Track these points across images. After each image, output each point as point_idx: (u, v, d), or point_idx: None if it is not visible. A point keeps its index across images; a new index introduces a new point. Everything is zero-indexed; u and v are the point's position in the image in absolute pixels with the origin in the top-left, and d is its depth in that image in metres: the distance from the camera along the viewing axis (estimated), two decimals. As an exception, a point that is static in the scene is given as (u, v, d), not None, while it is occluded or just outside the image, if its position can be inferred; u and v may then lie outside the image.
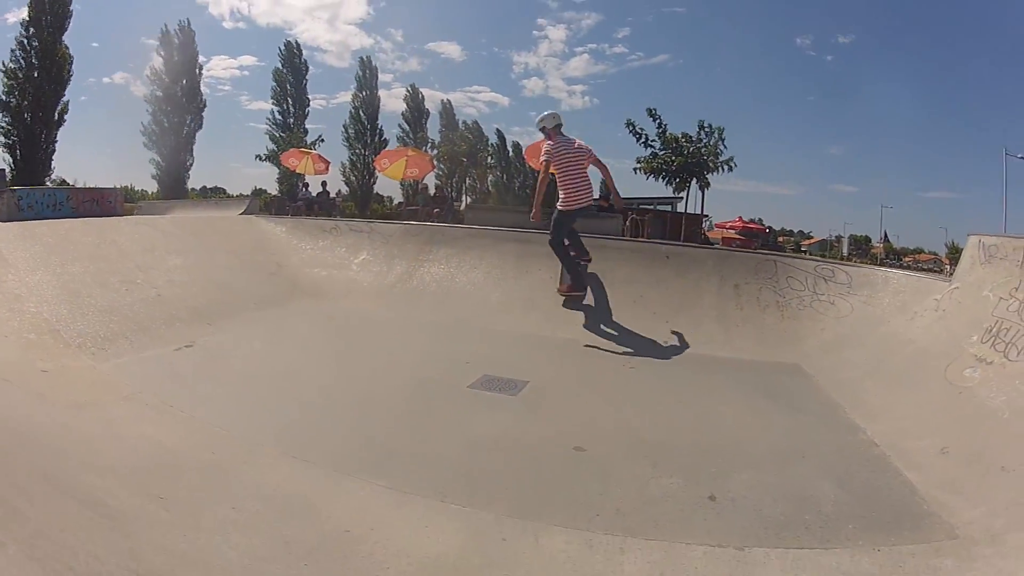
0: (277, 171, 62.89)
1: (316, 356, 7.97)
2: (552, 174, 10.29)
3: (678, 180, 36.77)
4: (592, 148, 10.45)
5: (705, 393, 7.08)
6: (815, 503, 4.26)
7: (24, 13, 56.81)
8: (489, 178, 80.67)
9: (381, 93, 74.99)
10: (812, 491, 4.46)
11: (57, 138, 56.52)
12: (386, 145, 70.33)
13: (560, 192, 10.24)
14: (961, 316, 7.23)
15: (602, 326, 9.89)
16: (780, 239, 76.19)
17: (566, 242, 10.48)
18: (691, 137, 36.36)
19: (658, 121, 37.24)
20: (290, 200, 31.30)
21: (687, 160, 35.76)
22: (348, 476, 4.37)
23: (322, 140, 60.91)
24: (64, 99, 56.77)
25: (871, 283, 9.65)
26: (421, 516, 3.83)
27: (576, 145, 10.28)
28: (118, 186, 34.55)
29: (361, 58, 79.54)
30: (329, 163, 32.39)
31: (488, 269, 11.86)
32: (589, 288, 10.87)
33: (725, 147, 35.82)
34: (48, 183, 52.97)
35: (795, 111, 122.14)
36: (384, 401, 6.18)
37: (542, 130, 10.59)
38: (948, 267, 51.16)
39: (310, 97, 72.11)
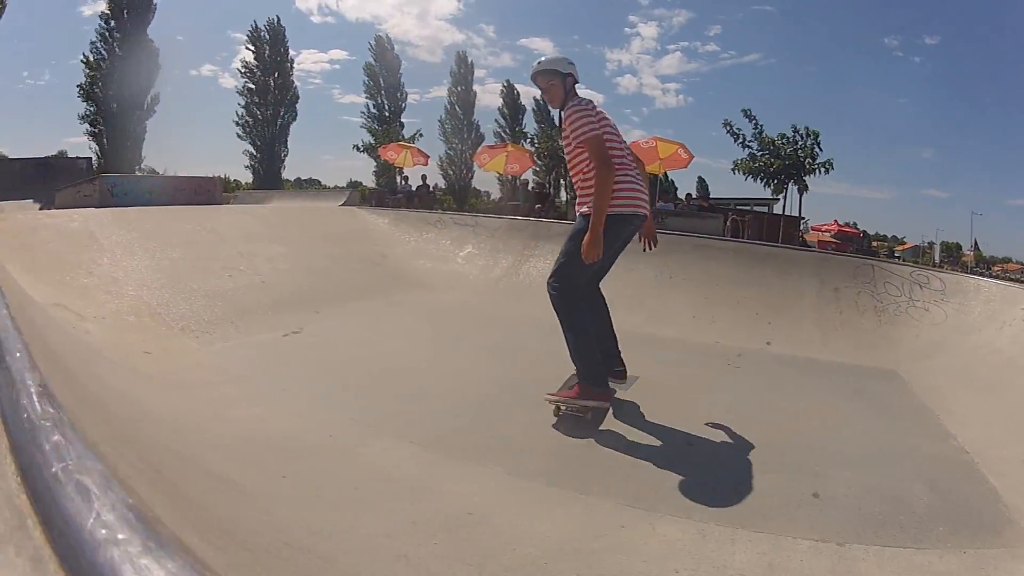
0: (374, 164, 63.29)
1: (425, 346, 8.06)
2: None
3: (776, 182, 36.44)
4: None
5: (805, 394, 7.07)
6: (909, 504, 4.27)
7: (100, 6, 58.03)
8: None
9: (476, 88, 74.95)
10: (906, 493, 4.46)
11: (146, 128, 57.72)
12: (483, 140, 70.40)
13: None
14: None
15: (707, 325, 9.88)
16: (874, 244, 75.02)
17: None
18: (787, 138, 36.02)
19: (754, 122, 36.97)
20: (390, 192, 31.60)
21: (784, 162, 35.43)
22: (465, 462, 4.45)
23: (420, 135, 60.90)
24: (154, 91, 58.01)
25: (963, 291, 9.53)
26: (540, 501, 3.89)
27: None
28: (212, 175, 35.09)
29: (457, 53, 79.04)
30: (428, 157, 32.72)
31: None
32: (690, 283, 10.70)
33: (821, 149, 35.43)
34: (138, 172, 54.06)
35: (886, 113, 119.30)
36: (497, 392, 6.28)
37: (549, 85, 6.05)
38: (1037, 278, 50.15)
39: (405, 91, 72.18)
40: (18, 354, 2.20)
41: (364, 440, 4.71)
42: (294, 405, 5.41)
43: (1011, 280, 19.73)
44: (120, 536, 1.09)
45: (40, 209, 24.64)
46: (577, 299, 5.72)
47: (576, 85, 6.07)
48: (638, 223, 5.93)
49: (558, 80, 5.96)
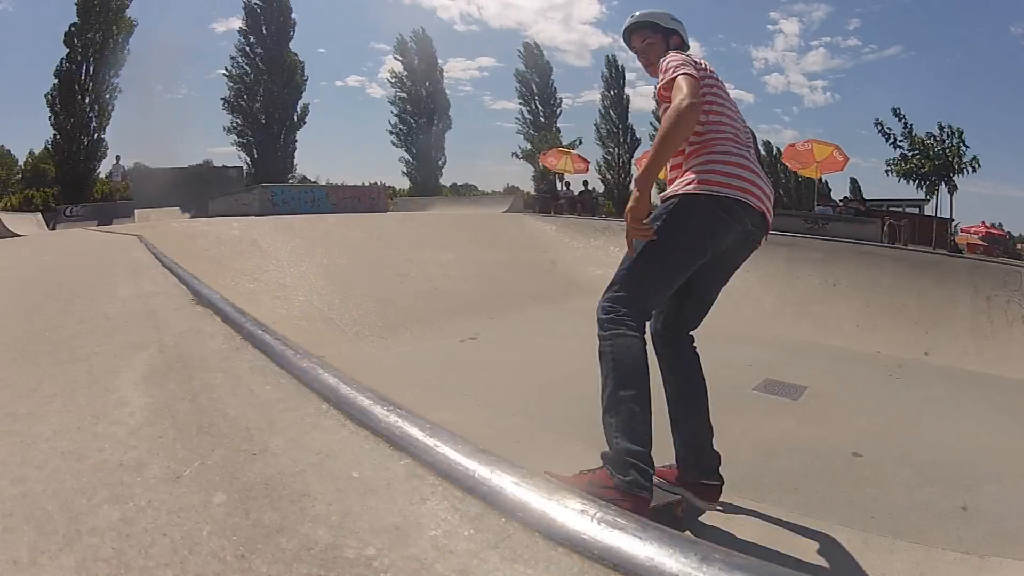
0: (532, 169, 63.61)
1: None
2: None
3: (928, 183, 35.56)
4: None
5: (959, 407, 7.10)
6: (1052, 520, 4.30)
7: (233, 23, 60.23)
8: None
9: (628, 92, 74.72)
10: (1050, 509, 4.49)
11: (296, 138, 59.40)
12: (639, 144, 69.92)
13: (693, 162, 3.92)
14: None
15: (869, 335, 9.86)
16: (1019, 246, 71.88)
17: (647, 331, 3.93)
18: (935, 137, 35.11)
19: (903, 121, 36.12)
20: (553, 199, 31.98)
21: (935, 163, 34.56)
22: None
23: (580, 142, 61.53)
24: (302, 102, 60.06)
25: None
26: (721, 509, 4.14)
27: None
28: (366, 183, 35.73)
29: (606, 57, 78.79)
30: (588, 163, 33.09)
31: (761, 274, 11.79)
32: (849, 290, 10.79)
33: (966, 147, 34.42)
34: (291, 181, 55.67)
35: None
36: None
37: (647, 45, 4.39)
38: None
39: (559, 96, 72.48)
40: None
41: (558, 446, 5.09)
42: (478, 410, 5.69)
43: None
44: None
45: (191, 217, 25.71)
46: (636, 330, 3.79)
47: (682, 50, 4.25)
48: (745, 218, 3.78)
49: (659, 38, 4.33)
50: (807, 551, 3.73)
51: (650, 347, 3.86)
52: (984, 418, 6.67)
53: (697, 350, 4.16)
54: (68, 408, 1.85)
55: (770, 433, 5.65)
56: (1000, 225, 66.55)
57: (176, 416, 1.83)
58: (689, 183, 3.76)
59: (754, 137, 5.08)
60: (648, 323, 3.91)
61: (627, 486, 3.29)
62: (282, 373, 2.60)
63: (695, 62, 3.76)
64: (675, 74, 3.59)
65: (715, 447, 3.98)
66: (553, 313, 10.14)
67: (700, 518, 4.01)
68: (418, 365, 6.97)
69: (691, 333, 4.16)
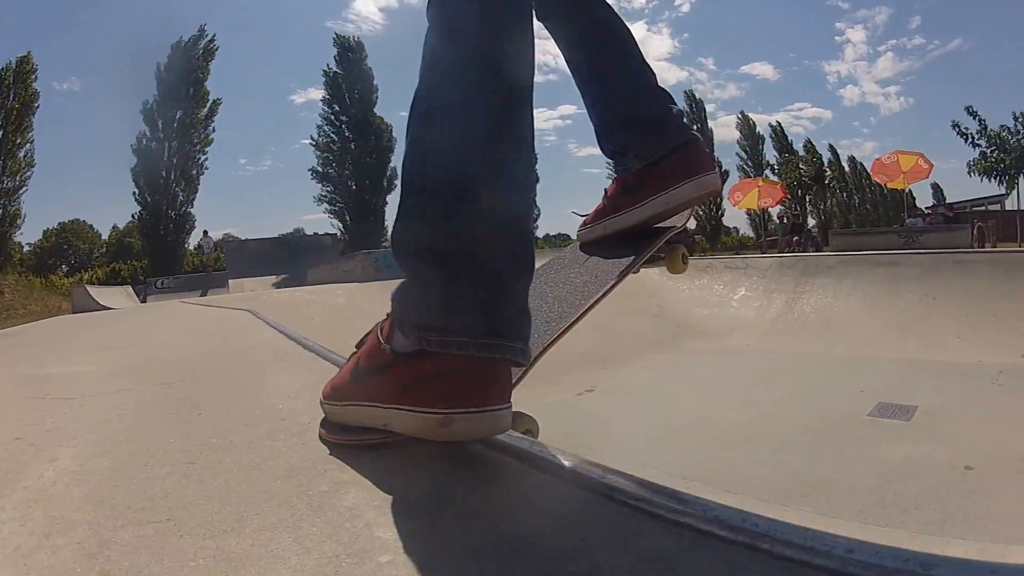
0: (627, 215, 63.77)
1: (717, 393, 8.42)
2: None
3: (1008, 177, 35.01)
4: None
5: (1062, 410, 7.12)
6: None
7: (312, 93, 61.95)
8: (831, 198, 79.01)
9: (710, 124, 75.18)
10: None
11: (387, 202, 60.53)
12: (726, 176, 69.40)
13: None
14: None
15: (971, 344, 9.88)
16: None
17: None
18: (1009, 129, 34.58)
19: (977, 118, 35.68)
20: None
21: (1012, 155, 34.02)
22: (778, 504, 4.83)
23: None
24: (392, 165, 61.56)
25: None
26: (849, 536, 4.33)
27: None
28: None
29: (684, 92, 79.13)
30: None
31: (863, 296, 12.04)
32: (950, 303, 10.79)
33: (1045, 136, 33.87)
34: (383, 246, 56.55)
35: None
36: (796, 434, 6.62)
37: None
38: None
39: (643, 137, 72.28)
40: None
41: (684, 489, 5.17)
42: (604, 461, 5.82)
43: None
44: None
45: (283, 285, 25.98)
46: None
47: None
48: None
49: None
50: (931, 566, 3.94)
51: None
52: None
53: None
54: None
55: (887, 457, 5.83)
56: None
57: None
58: None
59: None
60: None
61: None
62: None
63: None
64: None
65: None
66: (667, 358, 10.35)
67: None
68: (539, 419, 7.08)
69: None
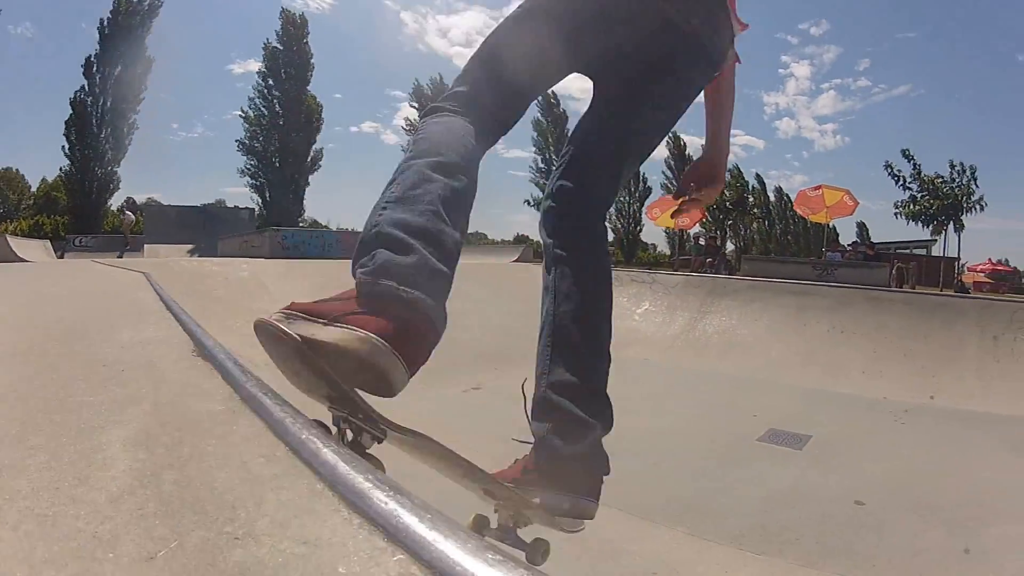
0: (543, 218, 64.17)
1: (609, 405, 8.05)
2: None
3: (935, 223, 35.77)
4: None
5: (964, 449, 7.09)
6: (1058, 560, 4.28)
7: (251, 65, 60.84)
8: (753, 225, 79.89)
9: (639, 140, 75.39)
10: (1056, 548, 4.48)
11: (308, 182, 59.86)
12: (650, 192, 70.86)
13: None
14: None
15: (875, 380, 9.83)
16: (1024, 281, 71.60)
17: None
18: (943, 178, 35.36)
19: (912, 162, 36.45)
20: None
21: (943, 203, 34.77)
22: (652, 522, 4.69)
23: None
24: (317, 146, 60.43)
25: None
26: (720, 561, 4.12)
27: None
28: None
29: None
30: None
31: (769, 322, 11.99)
32: (859, 336, 10.86)
33: (977, 185, 34.66)
34: (300, 224, 56.15)
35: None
36: (681, 452, 6.46)
37: None
38: None
39: (571, 147, 72.90)
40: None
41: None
42: (481, 461, 5.51)
43: None
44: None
45: (196, 254, 25.83)
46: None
47: None
48: None
49: None
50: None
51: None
52: (990, 458, 6.68)
53: None
54: (51, 465, 1.80)
55: (773, 484, 5.64)
56: (1006, 261, 66.74)
57: (160, 486, 1.79)
58: None
59: None
60: None
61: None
62: (279, 444, 2.53)
63: None
64: None
65: None
66: None
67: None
68: (418, 413, 6.85)
69: None
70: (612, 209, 54.14)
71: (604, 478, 2.33)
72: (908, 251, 36.05)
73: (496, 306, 12.13)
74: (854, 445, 6.99)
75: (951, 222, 35.17)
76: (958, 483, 5.87)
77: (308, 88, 60.97)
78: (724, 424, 7.30)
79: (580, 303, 2.40)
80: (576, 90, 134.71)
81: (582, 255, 2.49)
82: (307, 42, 61.36)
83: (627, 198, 71.37)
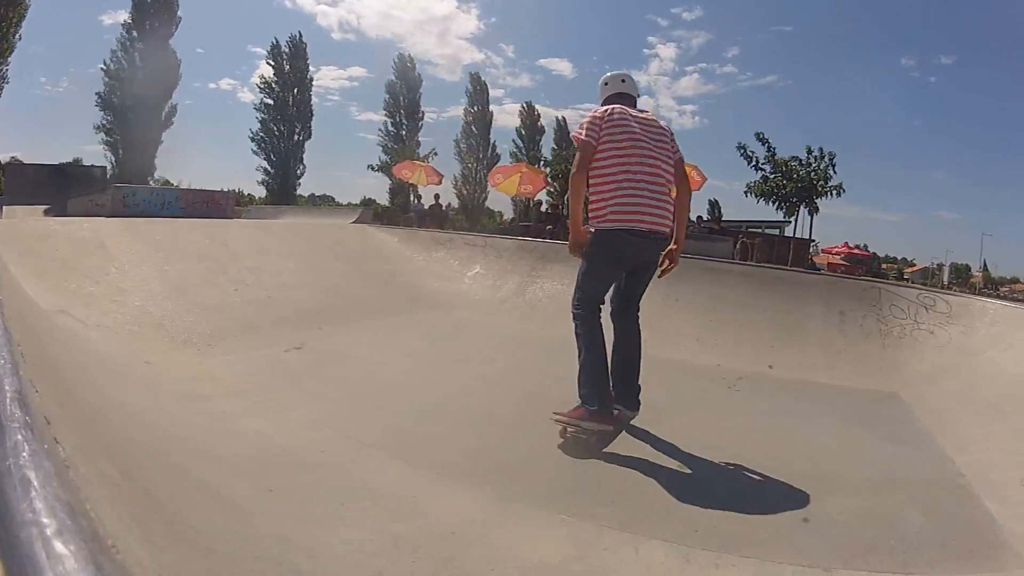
0: (389, 182, 63.58)
1: (426, 365, 8.06)
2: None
3: (788, 204, 36.57)
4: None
5: (805, 419, 7.11)
6: (900, 529, 4.29)
7: (121, 16, 58.56)
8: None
9: (494, 108, 75.90)
10: (899, 518, 4.49)
11: (163, 139, 58.20)
12: (499, 160, 71.47)
13: (594, 202, 5.74)
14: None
15: (710, 349, 9.91)
16: (884, 266, 75.07)
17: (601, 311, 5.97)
18: (801, 161, 36.18)
19: (767, 145, 37.20)
20: (402, 211, 31.77)
21: (797, 185, 35.57)
22: (455, 481, 4.46)
23: (435, 154, 61.20)
24: (172, 102, 58.72)
25: (969, 313, 9.57)
26: (525, 523, 3.90)
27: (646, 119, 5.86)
28: (225, 189, 35.38)
29: (470, 73, 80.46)
30: (442, 176, 33.10)
31: None
32: (695, 307, 10.80)
33: (835, 172, 35.58)
34: (151, 183, 54.57)
35: (900, 134, 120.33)
36: (494, 412, 6.27)
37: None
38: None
39: (423, 110, 73.06)
40: (1, 360, 2.33)
41: (358, 457, 4.72)
42: (291, 420, 5.42)
43: (1020, 301, 19.71)
44: (44, 520, 1.21)
45: (52, 216, 25.04)
46: (591, 316, 5.78)
47: (613, 99, 6.08)
48: (637, 240, 5.56)
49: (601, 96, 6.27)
50: (616, 568, 3.52)
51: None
52: (832, 429, 6.69)
53: (639, 321, 6.25)
54: None
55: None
56: (865, 246, 69.60)
57: None
58: (595, 219, 5.70)
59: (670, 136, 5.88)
60: (602, 306, 5.93)
61: (601, 409, 5.44)
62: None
63: (596, 122, 5.65)
64: (575, 138, 5.78)
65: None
66: (386, 325, 10.00)
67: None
68: (241, 373, 6.66)
69: (637, 305, 6.26)
70: (458, 176, 54.56)
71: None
72: (760, 230, 36.94)
73: (324, 266, 11.99)
74: (684, 411, 6.93)
75: (803, 204, 36.00)
76: (796, 452, 5.85)
77: (171, 41, 59.18)
78: (543, 386, 7.13)
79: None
80: (435, 56, 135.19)
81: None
82: (179, -11, 59.47)
83: (474, 164, 72.24)
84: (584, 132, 5.61)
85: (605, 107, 5.83)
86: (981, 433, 6.40)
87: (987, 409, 6.96)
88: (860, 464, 5.64)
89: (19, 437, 1.67)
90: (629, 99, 6.11)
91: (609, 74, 6.34)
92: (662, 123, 5.91)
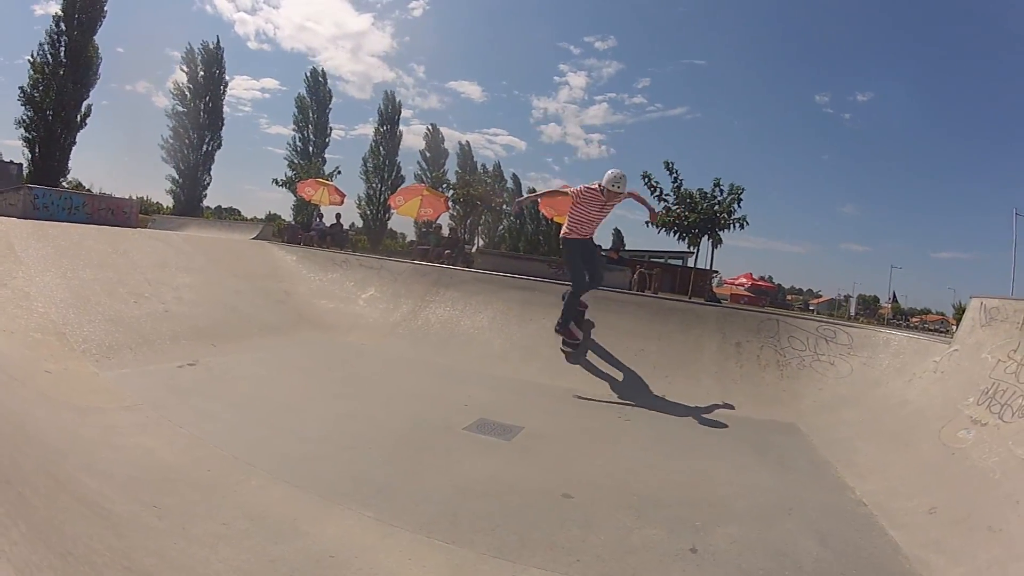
0: (293, 198, 62.86)
1: (316, 387, 8.02)
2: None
3: (690, 235, 36.90)
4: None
5: (697, 448, 7.21)
6: (796, 559, 4.36)
7: (51, 7, 57.29)
8: (503, 223, 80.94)
9: (402, 128, 75.26)
10: (794, 548, 4.56)
11: (76, 140, 56.96)
12: (403, 181, 70.62)
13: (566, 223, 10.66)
14: (959, 377, 7.37)
15: (601, 378, 10.00)
16: (789, 297, 76.32)
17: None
18: (706, 193, 36.56)
19: (674, 175, 37.50)
20: (303, 229, 31.54)
21: (700, 216, 35.93)
22: (337, 505, 4.48)
23: (339, 172, 60.84)
24: (88, 102, 57.45)
25: (872, 344, 9.88)
26: (405, 548, 3.93)
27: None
28: (133, 196, 34.95)
29: (386, 92, 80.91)
30: (344, 195, 32.75)
31: (493, 315, 12.04)
32: (586, 337, 11.07)
33: (740, 206, 36.00)
34: (64, 184, 53.46)
35: (809, 169, 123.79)
36: (379, 436, 6.25)
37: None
38: (954, 328, 51.54)
39: (331, 127, 72.35)
40: None
41: (242, 477, 4.73)
42: (180, 437, 5.39)
43: (930, 331, 20.16)
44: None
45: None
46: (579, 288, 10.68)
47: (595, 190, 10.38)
48: (578, 240, 10.51)
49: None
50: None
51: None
52: (725, 459, 6.79)
53: (593, 286, 10.95)
54: None
55: (474, 474, 5.51)
56: (770, 278, 70.64)
57: None
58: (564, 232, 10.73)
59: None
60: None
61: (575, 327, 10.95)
62: None
63: (576, 192, 10.48)
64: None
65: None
66: (279, 344, 10.03)
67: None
68: (135, 387, 6.62)
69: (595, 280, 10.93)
70: (362, 196, 54.01)
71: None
72: (663, 260, 37.62)
73: (221, 282, 11.91)
74: (571, 439, 6.99)
75: (706, 236, 36.43)
76: (685, 481, 5.93)
77: (95, 37, 57.95)
78: (430, 412, 7.18)
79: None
80: (346, 72, 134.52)
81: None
82: (107, -12, 58.22)
83: (380, 185, 71.67)
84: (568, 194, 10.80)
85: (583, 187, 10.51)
86: (884, 461, 6.60)
87: (890, 438, 7.16)
88: (753, 494, 5.72)
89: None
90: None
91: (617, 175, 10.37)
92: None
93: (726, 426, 8.26)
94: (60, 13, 56.40)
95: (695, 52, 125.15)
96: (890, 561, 4.46)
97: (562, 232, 10.64)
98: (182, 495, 4.22)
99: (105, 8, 58.00)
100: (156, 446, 5.05)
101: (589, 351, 10.77)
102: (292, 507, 4.34)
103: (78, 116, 56.74)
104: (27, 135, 55.01)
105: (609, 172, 10.27)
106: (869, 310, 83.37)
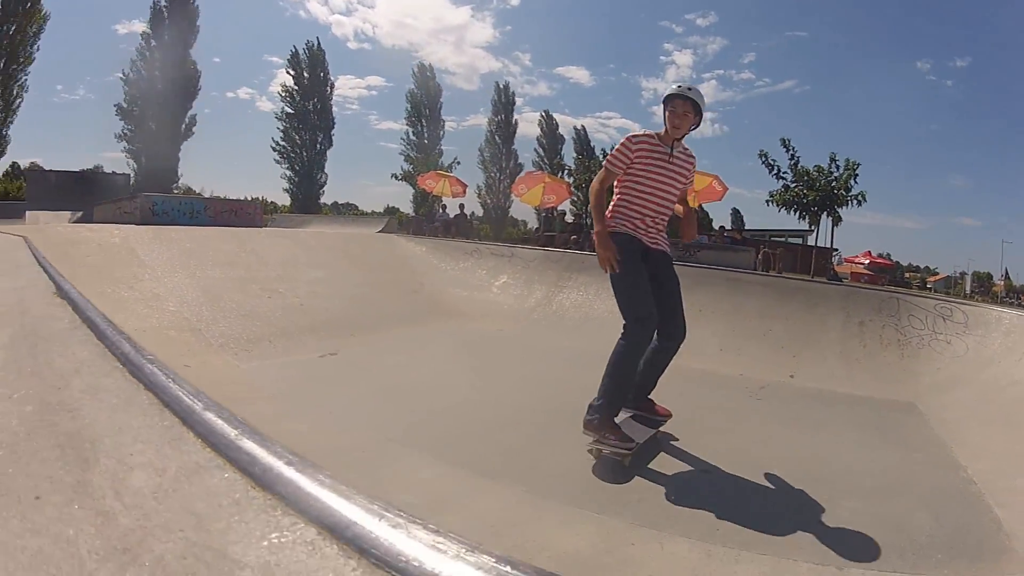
0: (412, 191, 63.20)
1: (458, 372, 8.23)
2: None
3: (810, 214, 36.16)
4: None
5: (823, 426, 7.22)
6: (910, 533, 4.42)
7: (135, 25, 58.65)
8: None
9: (515, 117, 75.12)
10: (909, 522, 4.62)
11: (182, 148, 58.41)
12: (521, 169, 70.09)
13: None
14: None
15: (732, 357, 10.03)
16: (907, 275, 74.24)
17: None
18: (822, 169, 35.75)
19: (791, 152, 36.68)
20: (428, 221, 31.80)
21: (819, 194, 35.15)
22: (491, 480, 4.68)
23: (458, 163, 60.70)
24: (192, 112, 58.82)
25: (985, 323, 9.67)
26: (557, 519, 4.08)
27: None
28: (247, 197, 35.55)
29: (496, 83, 79.91)
30: (466, 186, 33.00)
31: None
32: (716, 317, 10.89)
33: (857, 181, 35.14)
34: (174, 191, 54.73)
35: (919, 139, 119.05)
36: (523, 418, 6.45)
37: (685, 113, 5.85)
38: (1067, 306, 49.56)
39: (443, 119, 72.41)
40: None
41: (396, 457, 4.94)
42: (328, 422, 5.65)
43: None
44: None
45: (76, 221, 25.33)
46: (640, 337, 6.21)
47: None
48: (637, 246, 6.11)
49: (695, 116, 5.90)
50: (642, 561, 3.66)
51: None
52: (848, 436, 6.81)
53: (671, 352, 6.43)
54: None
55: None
56: (888, 255, 68.82)
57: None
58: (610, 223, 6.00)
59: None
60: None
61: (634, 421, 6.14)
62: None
63: (631, 147, 5.80)
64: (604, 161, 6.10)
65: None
66: (415, 334, 10.18)
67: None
68: (278, 378, 6.95)
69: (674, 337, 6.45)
70: (482, 185, 53.54)
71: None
72: (783, 240, 36.78)
73: (353, 275, 12.21)
74: (706, 419, 7.07)
75: (825, 213, 35.62)
76: (814, 458, 6.00)
77: (191, 51, 59.30)
78: (571, 396, 7.13)
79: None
80: (451, 64, 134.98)
81: None
82: (195, 3, 59.56)
83: (498, 174, 71.43)
84: (611, 159, 6.01)
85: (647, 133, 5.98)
86: (994, 442, 6.53)
87: (1000, 418, 7.11)
88: (874, 471, 5.77)
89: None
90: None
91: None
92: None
93: (850, 405, 8.24)
94: (148, 31, 57.94)
95: (795, 23, 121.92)
96: (993, 537, 4.48)
97: (606, 221, 6.03)
98: (341, 475, 4.38)
99: (198, 23, 59.55)
100: (305, 431, 5.24)
101: (721, 332, 10.77)
102: (450, 482, 4.54)
103: (182, 126, 58.09)
104: (130, 147, 56.57)
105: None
106: (983, 287, 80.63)
